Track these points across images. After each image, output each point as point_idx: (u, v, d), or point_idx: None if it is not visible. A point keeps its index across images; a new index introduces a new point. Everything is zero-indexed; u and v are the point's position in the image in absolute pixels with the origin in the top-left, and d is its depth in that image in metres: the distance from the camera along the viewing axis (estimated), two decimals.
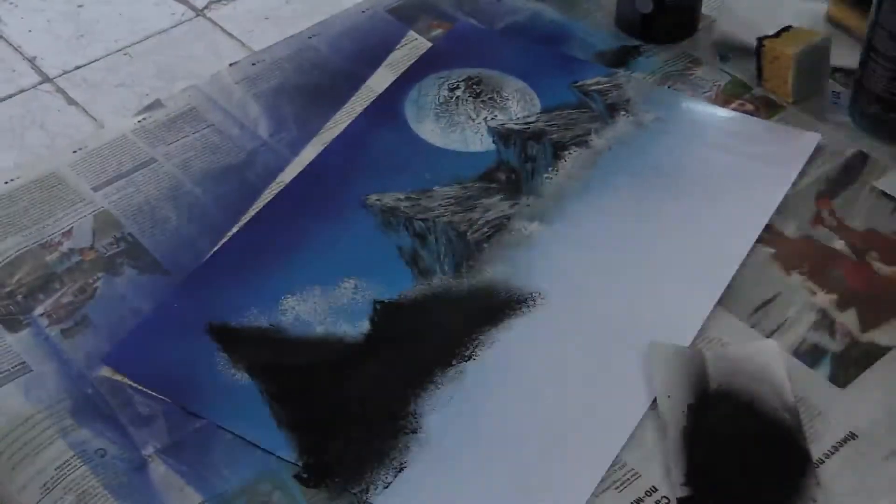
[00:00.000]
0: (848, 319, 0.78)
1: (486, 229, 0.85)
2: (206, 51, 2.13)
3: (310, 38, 1.06)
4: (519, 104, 0.97)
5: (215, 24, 2.21)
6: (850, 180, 0.89)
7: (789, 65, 0.95)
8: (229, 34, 2.18)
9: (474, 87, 1.00)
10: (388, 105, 0.98)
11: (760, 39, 0.96)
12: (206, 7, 2.25)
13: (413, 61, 1.02)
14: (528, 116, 0.96)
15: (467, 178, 0.90)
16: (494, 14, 1.08)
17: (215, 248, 0.85)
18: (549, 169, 0.91)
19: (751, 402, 0.71)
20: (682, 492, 0.67)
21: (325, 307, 0.80)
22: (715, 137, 0.94)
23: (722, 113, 0.96)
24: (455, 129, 0.95)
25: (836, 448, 0.70)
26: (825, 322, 0.78)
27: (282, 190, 0.90)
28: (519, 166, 0.91)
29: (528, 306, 0.79)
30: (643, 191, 0.88)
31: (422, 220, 0.86)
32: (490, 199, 0.88)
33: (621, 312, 0.79)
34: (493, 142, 0.94)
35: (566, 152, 0.92)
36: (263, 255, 0.84)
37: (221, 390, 0.74)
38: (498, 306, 0.79)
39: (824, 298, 0.80)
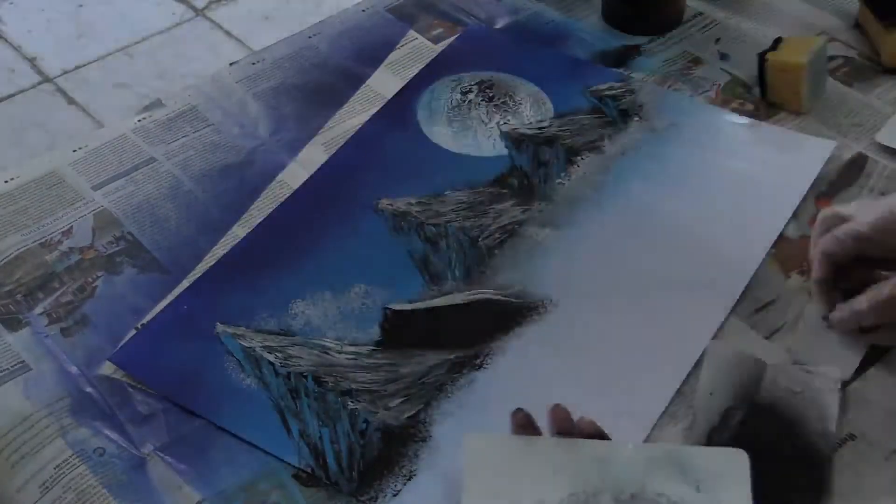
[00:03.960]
0: None
1: (497, 235, 0.85)
2: (206, 51, 2.13)
3: (310, 37, 1.06)
4: (532, 108, 0.96)
5: (215, 24, 2.21)
6: (850, 181, 0.89)
7: (802, 75, 0.93)
8: (229, 34, 2.18)
9: (487, 90, 0.98)
10: (400, 108, 0.97)
11: (761, 55, 0.95)
12: (206, 7, 2.26)
13: (425, 64, 1.01)
14: (541, 121, 0.95)
15: (479, 182, 0.89)
16: (494, 14, 1.08)
17: (225, 251, 0.84)
18: (562, 174, 0.90)
19: (792, 423, 0.70)
20: None
21: (336, 312, 0.79)
22: (729, 145, 0.93)
23: (737, 120, 0.95)
24: (467, 133, 0.94)
25: (835, 449, 0.70)
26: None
27: (293, 192, 0.89)
28: (531, 171, 0.90)
29: (539, 313, 0.79)
30: (656, 197, 0.88)
31: (433, 224, 0.85)
32: (502, 205, 0.87)
33: (633, 319, 0.78)
34: (506, 146, 0.93)
35: (579, 158, 0.91)
36: (274, 258, 0.83)
37: (229, 393, 0.74)
38: (509, 314, 0.79)
39: None
